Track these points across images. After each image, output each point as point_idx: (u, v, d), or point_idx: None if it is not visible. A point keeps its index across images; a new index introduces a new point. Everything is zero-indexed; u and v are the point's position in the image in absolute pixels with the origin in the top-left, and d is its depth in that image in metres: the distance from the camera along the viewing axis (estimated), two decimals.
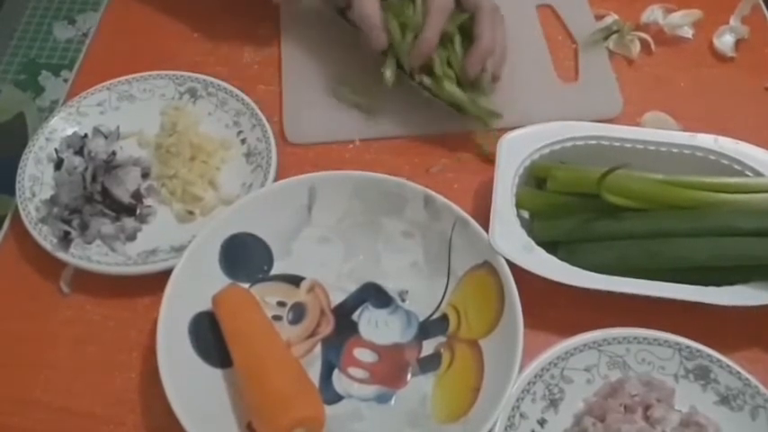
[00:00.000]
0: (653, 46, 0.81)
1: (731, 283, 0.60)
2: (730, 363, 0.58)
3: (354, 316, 0.63)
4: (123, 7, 0.85)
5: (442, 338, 0.62)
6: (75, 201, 0.67)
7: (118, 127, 0.73)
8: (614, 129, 0.68)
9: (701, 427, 0.55)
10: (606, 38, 0.81)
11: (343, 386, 0.60)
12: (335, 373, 0.61)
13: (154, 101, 0.75)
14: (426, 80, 0.71)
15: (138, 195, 0.69)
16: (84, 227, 0.66)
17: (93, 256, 0.65)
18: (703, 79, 0.79)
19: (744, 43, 0.81)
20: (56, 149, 0.71)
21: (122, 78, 0.75)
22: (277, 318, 0.63)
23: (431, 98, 0.72)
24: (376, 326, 0.63)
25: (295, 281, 0.65)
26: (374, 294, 0.64)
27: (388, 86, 0.71)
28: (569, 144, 0.67)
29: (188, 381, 0.57)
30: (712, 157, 0.66)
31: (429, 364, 0.61)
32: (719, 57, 0.81)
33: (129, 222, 0.67)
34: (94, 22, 0.85)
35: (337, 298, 0.64)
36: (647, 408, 0.56)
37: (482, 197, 0.68)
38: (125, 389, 0.61)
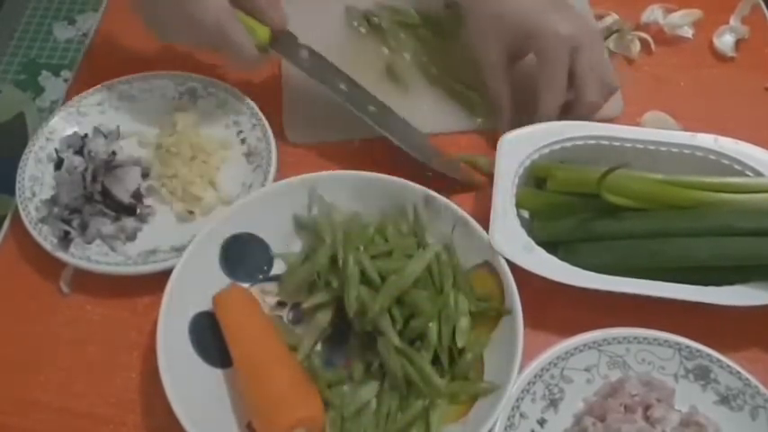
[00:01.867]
0: (653, 46, 0.81)
1: (731, 283, 0.60)
2: (730, 363, 0.58)
3: None
4: (123, 7, 0.85)
5: None
6: (76, 201, 0.67)
7: (118, 127, 0.73)
8: (614, 129, 0.68)
9: (701, 427, 0.55)
10: (606, 38, 0.81)
11: None
12: None
13: (154, 101, 0.75)
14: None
15: (138, 195, 0.69)
16: (84, 227, 0.66)
17: (93, 256, 0.65)
18: (703, 79, 0.79)
19: (744, 43, 0.81)
20: (56, 149, 0.71)
21: (122, 78, 0.75)
22: (277, 318, 0.63)
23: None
24: None
25: None
26: None
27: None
28: (569, 144, 0.67)
29: (188, 381, 0.57)
30: (712, 157, 0.66)
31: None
32: (719, 57, 0.81)
33: (129, 222, 0.67)
34: (94, 22, 0.85)
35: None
36: (647, 408, 0.56)
37: (482, 197, 0.68)
38: (125, 389, 0.61)
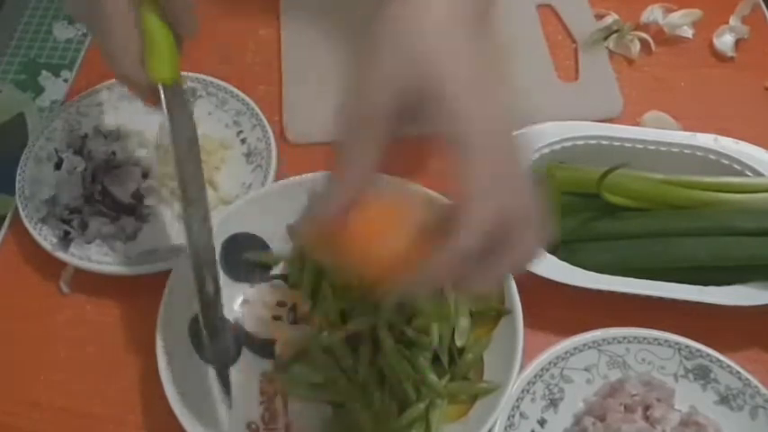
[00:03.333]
0: (653, 46, 0.81)
1: (731, 283, 0.60)
2: (730, 363, 0.58)
3: None
4: None
5: None
6: (76, 201, 0.67)
7: (118, 127, 0.73)
8: (614, 129, 0.68)
9: (701, 427, 0.55)
10: (606, 38, 0.81)
11: None
12: None
13: None
14: None
15: (138, 195, 0.69)
16: (84, 227, 0.66)
17: (93, 256, 0.65)
18: (703, 79, 0.79)
19: (744, 43, 0.81)
20: (56, 149, 0.71)
21: None
22: (277, 318, 0.63)
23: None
24: None
25: None
26: None
27: None
28: (569, 144, 0.67)
29: (188, 381, 0.57)
30: (712, 157, 0.66)
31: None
32: (719, 57, 0.81)
33: (129, 222, 0.67)
34: None
35: None
36: (647, 407, 0.56)
37: None
38: (125, 389, 0.61)
